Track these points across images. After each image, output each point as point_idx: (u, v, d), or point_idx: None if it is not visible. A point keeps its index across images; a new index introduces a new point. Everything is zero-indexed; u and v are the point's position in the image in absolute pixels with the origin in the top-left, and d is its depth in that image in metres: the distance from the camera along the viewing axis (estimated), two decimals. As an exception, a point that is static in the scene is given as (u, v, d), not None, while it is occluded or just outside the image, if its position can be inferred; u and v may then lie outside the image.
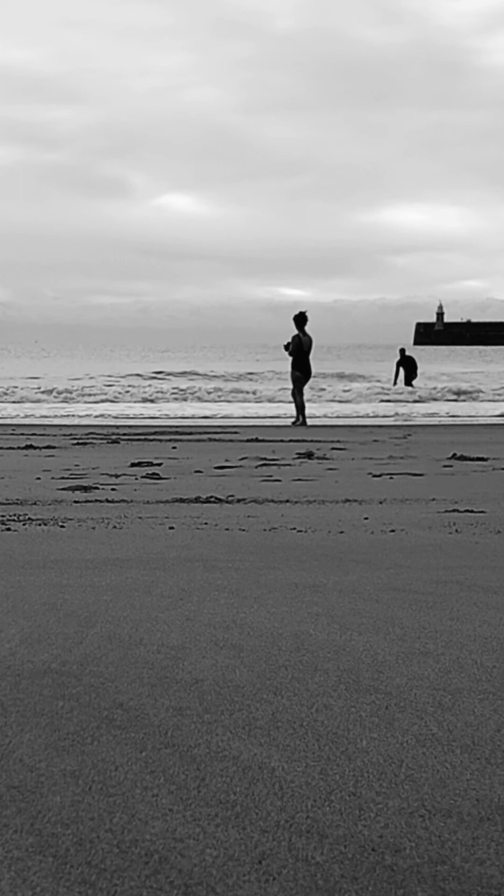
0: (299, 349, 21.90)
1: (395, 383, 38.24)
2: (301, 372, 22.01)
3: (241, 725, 3.14)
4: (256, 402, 34.27)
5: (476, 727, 3.14)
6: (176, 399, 34.98)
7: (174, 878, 2.24)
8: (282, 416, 26.51)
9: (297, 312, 21.98)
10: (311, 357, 22.02)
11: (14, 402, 33.16)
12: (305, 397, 23.04)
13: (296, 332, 22.00)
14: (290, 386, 23.05)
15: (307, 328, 21.98)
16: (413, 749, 2.96)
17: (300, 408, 22.29)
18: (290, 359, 22.24)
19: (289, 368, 22.97)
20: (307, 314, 21.90)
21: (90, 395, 35.23)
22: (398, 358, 38.63)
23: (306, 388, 23.26)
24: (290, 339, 22.09)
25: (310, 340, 22.00)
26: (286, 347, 22.19)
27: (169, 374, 49.54)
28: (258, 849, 2.36)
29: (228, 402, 34.16)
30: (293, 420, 22.59)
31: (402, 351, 38.99)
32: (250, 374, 49.75)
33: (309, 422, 23.02)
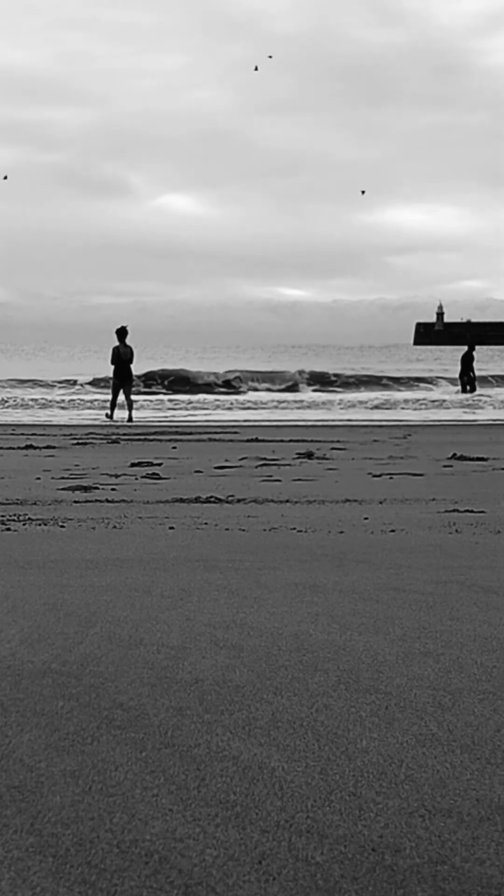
0: (118, 359, 25.22)
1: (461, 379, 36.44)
2: (119, 379, 25.35)
3: (241, 725, 3.14)
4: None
5: (476, 727, 3.14)
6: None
7: (174, 878, 2.24)
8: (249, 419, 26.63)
9: (118, 327, 25.42)
10: (132, 366, 25.52)
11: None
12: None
13: (116, 344, 25.38)
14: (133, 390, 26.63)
15: (127, 340, 25.36)
16: (413, 749, 2.96)
17: (129, 405, 25.56)
18: (112, 367, 25.60)
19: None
20: (127, 328, 25.35)
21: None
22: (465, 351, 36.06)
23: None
24: (111, 352, 25.54)
25: (128, 351, 25.26)
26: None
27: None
28: (258, 849, 2.36)
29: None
30: (109, 415, 25.82)
31: (470, 345, 36.06)
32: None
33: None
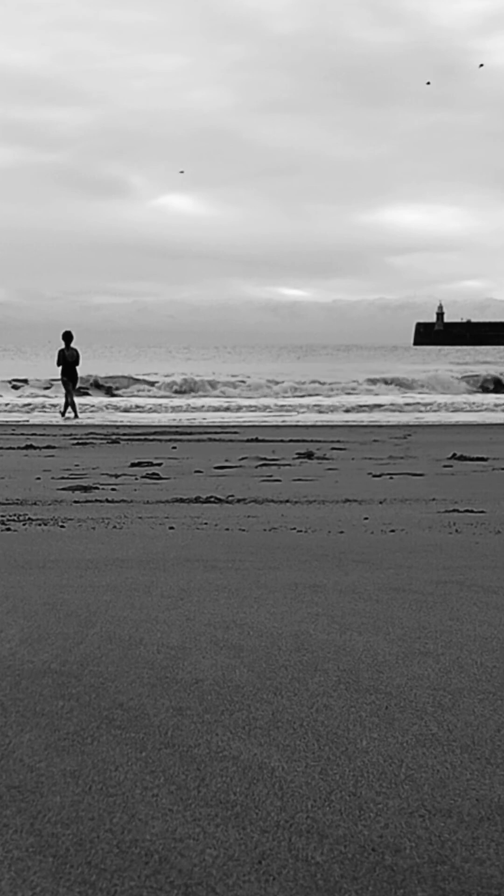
0: (64, 361, 26.88)
1: None
2: (68, 378, 26.89)
3: (241, 725, 3.14)
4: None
5: (476, 727, 3.14)
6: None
7: (174, 878, 2.23)
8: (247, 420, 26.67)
9: (64, 331, 27.12)
10: (77, 367, 27.03)
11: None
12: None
13: (62, 346, 27.01)
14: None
15: (73, 343, 27.04)
16: (413, 749, 2.96)
17: (72, 405, 27.18)
18: (60, 368, 27.16)
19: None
20: (72, 333, 27.10)
21: None
22: None
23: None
24: (57, 354, 27.24)
25: (74, 353, 26.90)
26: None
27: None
28: (258, 849, 2.36)
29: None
30: (62, 413, 27.46)
31: None
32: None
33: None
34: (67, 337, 26.94)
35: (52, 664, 3.76)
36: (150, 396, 37.34)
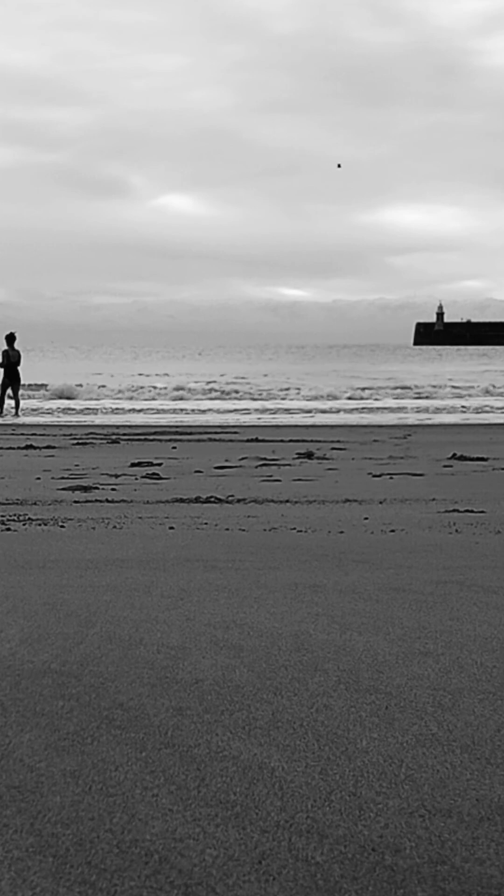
0: (8, 361, 27.93)
1: None
2: (10, 379, 27.97)
3: (241, 725, 3.14)
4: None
5: (476, 727, 3.14)
6: None
7: (174, 878, 2.23)
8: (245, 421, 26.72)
9: (7, 333, 28.28)
10: (20, 368, 28.00)
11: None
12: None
13: (6, 347, 28.12)
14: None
15: (15, 345, 28.23)
16: (413, 749, 2.96)
17: (15, 404, 28.25)
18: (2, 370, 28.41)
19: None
20: (15, 334, 28.35)
21: None
22: None
23: None
24: (0, 355, 28.24)
25: (17, 354, 28.04)
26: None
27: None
28: (258, 849, 2.36)
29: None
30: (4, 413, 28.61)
31: None
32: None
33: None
34: (10, 339, 28.13)
35: (52, 664, 3.76)
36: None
